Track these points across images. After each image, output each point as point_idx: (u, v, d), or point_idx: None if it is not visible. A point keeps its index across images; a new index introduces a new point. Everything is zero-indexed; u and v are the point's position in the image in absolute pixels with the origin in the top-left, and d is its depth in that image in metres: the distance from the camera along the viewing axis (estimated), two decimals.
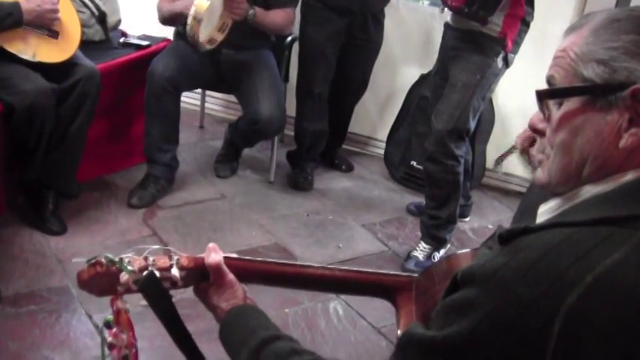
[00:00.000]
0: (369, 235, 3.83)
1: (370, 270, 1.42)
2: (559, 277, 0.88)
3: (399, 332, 1.30)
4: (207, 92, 4.69)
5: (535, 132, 1.11)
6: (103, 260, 1.32)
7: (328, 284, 1.43)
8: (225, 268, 1.36)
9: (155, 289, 1.33)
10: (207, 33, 3.44)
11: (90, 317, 2.87)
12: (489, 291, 0.92)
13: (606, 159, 1.00)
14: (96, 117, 3.43)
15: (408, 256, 3.58)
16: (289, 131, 4.32)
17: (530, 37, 3.36)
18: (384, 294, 1.41)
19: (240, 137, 4.08)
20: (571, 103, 1.02)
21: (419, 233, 3.75)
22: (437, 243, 3.59)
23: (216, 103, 4.96)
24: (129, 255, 1.34)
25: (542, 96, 1.06)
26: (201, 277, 1.37)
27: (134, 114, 3.96)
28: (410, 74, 4.45)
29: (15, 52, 3.12)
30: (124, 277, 1.31)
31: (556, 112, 1.04)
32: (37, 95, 3.08)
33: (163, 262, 1.34)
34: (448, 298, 1.00)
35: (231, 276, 1.37)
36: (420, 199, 4.15)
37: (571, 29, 1.07)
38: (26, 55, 3.16)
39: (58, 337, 2.75)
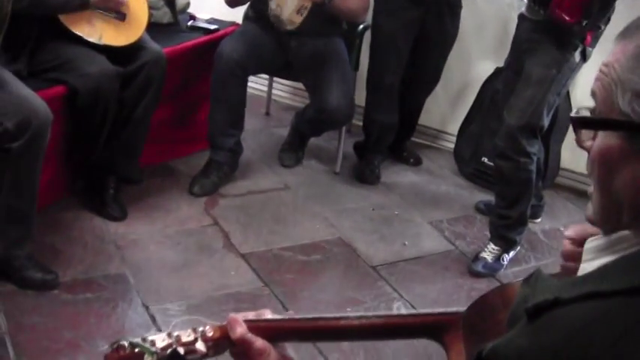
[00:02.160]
0: (436, 232, 3.70)
1: (412, 312, 1.29)
2: None
3: None
4: (274, 78, 4.59)
5: (582, 148, 0.95)
6: (126, 344, 1.25)
7: (368, 333, 1.31)
8: (250, 337, 1.25)
9: None
10: (288, 13, 3.38)
11: (147, 308, 2.82)
12: None
13: None
14: (161, 102, 3.37)
15: (476, 258, 3.43)
16: (357, 121, 4.20)
17: (611, 29, 3.17)
18: (430, 335, 1.28)
19: (307, 126, 3.99)
20: (608, 137, 0.87)
21: (487, 233, 3.60)
22: (506, 244, 3.44)
23: (283, 90, 4.87)
24: (152, 334, 1.28)
25: (575, 125, 0.92)
26: (230, 343, 1.28)
27: (199, 100, 3.89)
28: (484, 67, 4.28)
29: (81, 35, 3.07)
30: (147, 359, 1.24)
31: (596, 140, 0.89)
32: (102, 78, 3.03)
33: (187, 336, 1.26)
34: None
35: (259, 343, 1.25)
36: (490, 198, 3.99)
37: (621, 36, 0.90)
38: (92, 37, 3.11)
39: (113, 327, 2.70)
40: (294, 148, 4.16)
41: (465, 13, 4.06)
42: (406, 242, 3.57)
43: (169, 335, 1.27)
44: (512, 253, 3.48)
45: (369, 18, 3.97)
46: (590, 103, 0.92)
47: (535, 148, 3.27)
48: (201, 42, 3.71)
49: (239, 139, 3.79)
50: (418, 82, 4.18)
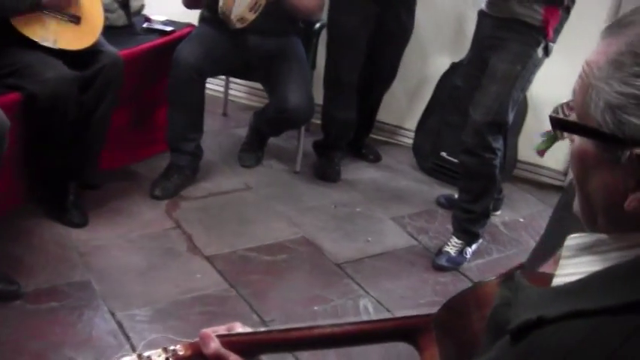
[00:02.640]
0: (398, 228, 3.71)
1: (382, 316, 1.29)
2: None
3: None
4: (231, 79, 4.57)
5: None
6: None
7: (341, 340, 1.30)
8: (223, 352, 1.24)
9: None
10: (240, 11, 3.34)
11: (113, 315, 2.78)
12: None
13: (614, 216, 0.85)
14: (118, 105, 3.33)
15: (440, 252, 3.46)
16: (316, 120, 4.19)
17: (566, 23, 3.23)
18: (404, 338, 1.27)
19: (267, 126, 3.97)
20: (584, 140, 0.86)
21: (449, 227, 3.63)
22: (470, 238, 3.47)
23: (240, 90, 4.85)
24: (122, 356, 1.25)
25: (552, 124, 0.90)
26: (204, 359, 1.27)
27: (157, 101, 3.85)
28: (441, 63, 4.31)
29: (35, 39, 3.02)
30: None
31: (575, 139, 0.89)
32: (59, 83, 2.98)
33: (158, 356, 1.23)
34: None
35: (233, 358, 1.24)
36: (450, 191, 4.03)
37: (607, 31, 0.88)
38: (47, 42, 3.05)
39: (80, 335, 2.66)
40: (253, 149, 4.14)
41: (420, 9, 4.09)
42: (369, 239, 3.58)
43: (140, 357, 1.25)
44: (474, 247, 3.51)
45: (324, 16, 3.97)
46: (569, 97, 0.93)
47: (499, 143, 3.31)
48: (157, 44, 3.67)
49: (199, 143, 3.76)
50: (376, 79, 4.20)
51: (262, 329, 1.30)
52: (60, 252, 3.11)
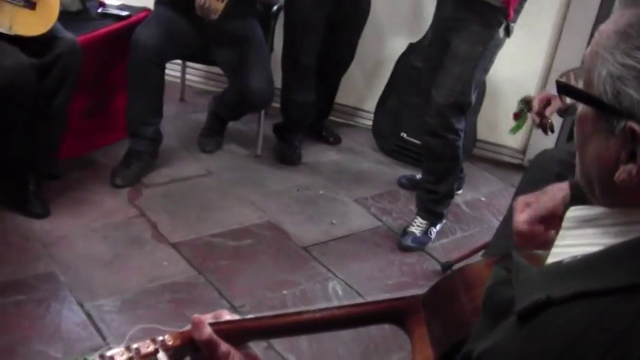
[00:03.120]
0: (362, 210, 3.72)
1: (370, 299, 1.28)
2: None
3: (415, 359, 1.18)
4: (188, 63, 4.51)
5: None
6: None
7: (330, 324, 1.29)
8: (215, 339, 1.22)
9: None
10: (210, 3, 3.30)
11: (81, 305, 2.74)
12: None
13: (606, 186, 0.88)
14: (75, 92, 3.25)
15: (405, 232, 3.47)
16: (275, 103, 4.15)
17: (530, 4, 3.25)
18: (393, 320, 1.27)
19: (227, 110, 3.94)
20: (585, 107, 0.89)
21: (412, 207, 3.66)
22: (434, 218, 3.49)
23: (197, 75, 4.79)
24: (109, 349, 1.22)
25: (558, 89, 0.94)
26: (192, 349, 1.24)
27: (115, 88, 3.78)
28: (398, 43, 4.32)
29: None
30: None
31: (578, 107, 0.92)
32: (16, 71, 2.90)
33: (147, 347, 1.20)
34: None
35: (223, 346, 1.21)
36: (411, 172, 4.06)
37: (623, 4, 0.88)
38: (2, 27, 2.97)
39: (49, 328, 2.61)
40: (213, 133, 4.10)
41: None
42: (334, 221, 3.58)
43: (128, 349, 1.21)
44: (439, 227, 3.54)
45: None
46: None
47: (462, 124, 3.32)
48: (113, 29, 3.59)
49: (158, 127, 3.71)
50: (334, 60, 4.18)
51: (251, 316, 1.28)
52: (23, 243, 3.05)
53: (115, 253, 3.09)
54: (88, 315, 2.70)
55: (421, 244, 3.45)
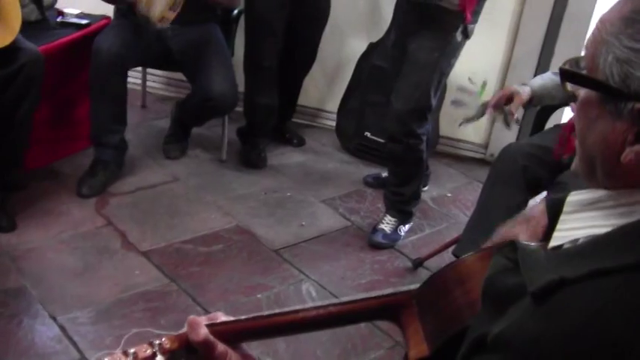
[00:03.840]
0: (330, 210, 3.73)
1: (363, 295, 1.29)
2: (610, 347, 0.77)
3: (409, 355, 1.19)
4: (148, 70, 4.48)
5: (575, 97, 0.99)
6: None
7: (326, 322, 1.30)
8: (212, 340, 1.21)
9: None
10: (159, 10, 3.27)
11: (54, 319, 2.71)
12: None
13: (611, 168, 0.90)
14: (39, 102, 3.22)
15: (374, 229, 3.49)
16: (238, 107, 4.14)
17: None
18: (387, 316, 1.28)
19: (191, 116, 3.92)
20: (589, 92, 0.91)
21: (380, 206, 3.69)
22: (403, 216, 3.52)
23: (158, 82, 4.76)
24: (106, 354, 1.21)
25: (562, 77, 0.96)
26: (189, 351, 1.24)
27: (77, 97, 3.74)
28: (358, 44, 4.34)
29: None
30: None
31: (582, 92, 0.94)
32: None
33: (144, 351, 1.20)
34: None
35: (220, 347, 1.21)
36: (376, 170, 4.08)
37: None
38: None
39: (22, 343, 2.57)
40: (177, 140, 4.07)
41: None
42: (303, 223, 3.58)
43: (125, 354, 1.21)
44: (407, 226, 3.56)
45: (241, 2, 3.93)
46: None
47: (424, 128, 3.33)
48: (74, 38, 3.56)
49: (123, 136, 3.68)
50: (296, 62, 4.18)
51: (246, 316, 1.29)
52: None
53: (86, 264, 3.06)
54: (62, 328, 2.67)
55: (391, 240, 3.46)
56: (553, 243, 0.97)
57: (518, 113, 2.94)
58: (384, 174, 3.94)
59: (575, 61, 0.95)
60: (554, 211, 1.29)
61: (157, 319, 2.76)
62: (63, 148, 3.77)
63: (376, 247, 3.44)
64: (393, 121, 3.30)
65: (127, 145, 3.73)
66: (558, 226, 0.98)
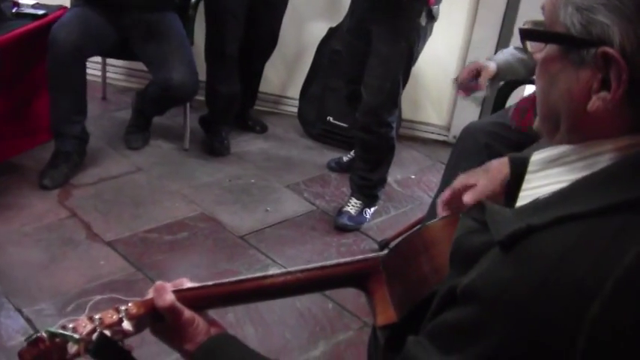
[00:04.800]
0: (295, 195, 3.74)
1: (332, 262, 1.29)
2: (577, 290, 0.79)
3: (377, 321, 1.20)
4: (108, 61, 4.44)
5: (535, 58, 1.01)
6: (45, 335, 1.15)
7: (294, 289, 1.29)
8: (179, 306, 1.21)
9: (110, 351, 1.18)
10: None
11: (20, 312, 2.68)
12: (500, 312, 0.83)
13: (576, 120, 0.91)
14: None
15: (340, 212, 3.50)
16: (199, 96, 4.13)
17: None
18: (354, 283, 1.28)
19: (151, 105, 3.89)
20: (551, 49, 0.93)
21: (345, 189, 3.71)
22: (369, 200, 3.53)
23: (118, 72, 4.72)
24: (70, 321, 1.19)
25: (522, 36, 0.98)
26: (155, 318, 1.23)
27: (35, 89, 3.70)
28: (317, 29, 4.34)
29: None
30: (72, 347, 1.16)
31: (542, 52, 0.95)
32: None
33: (111, 317, 1.19)
34: (449, 315, 0.90)
35: (187, 313, 1.21)
36: (339, 154, 4.08)
37: None
38: None
39: None
40: (139, 130, 4.05)
41: None
42: (268, 208, 3.58)
43: (91, 319, 1.20)
44: (373, 209, 3.57)
45: None
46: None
47: (395, 115, 3.36)
48: (30, 28, 3.49)
49: (84, 126, 3.65)
50: (256, 48, 4.17)
51: (212, 282, 1.28)
52: None
53: (50, 255, 3.03)
54: (28, 320, 2.64)
55: (357, 223, 3.48)
56: (519, 203, 0.99)
57: (489, 91, 2.95)
58: (345, 157, 3.97)
59: (533, 22, 0.97)
60: (516, 168, 1.31)
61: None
62: (23, 142, 3.72)
63: (342, 229, 3.45)
64: (365, 113, 3.31)
65: (88, 135, 3.70)
66: (524, 186, 1.00)
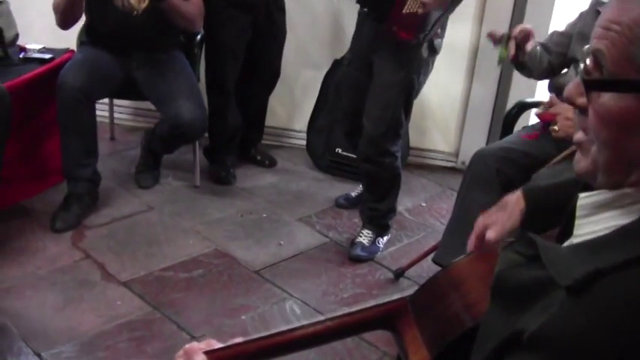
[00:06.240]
0: (307, 228, 3.74)
1: (359, 307, 1.29)
2: None
3: None
4: (115, 101, 4.46)
5: (572, 105, 0.96)
6: None
7: (324, 338, 1.29)
8: None
9: None
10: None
11: (39, 356, 2.66)
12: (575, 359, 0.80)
13: None
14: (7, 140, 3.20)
15: (353, 243, 3.50)
16: None
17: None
18: (383, 325, 1.28)
19: (161, 143, 3.89)
20: (622, 98, 0.86)
21: (356, 220, 3.71)
22: (380, 229, 3.53)
23: (125, 112, 4.74)
24: None
25: (589, 87, 0.90)
26: None
27: (45, 132, 3.72)
28: (322, 61, 4.37)
29: None
30: None
31: (603, 100, 0.89)
32: None
33: None
34: None
35: None
36: (348, 188, 4.08)
37: None
38: None
39: None
40: (149, 168, 4.06)
41: (295, 10, 4.15)
42: (282, 242, 3.58)
43: None
44: (385, 238, 3.57)
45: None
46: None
47: (398, 145, 3.36)
48: (39, 73, 3.53)
49: (96, 168, 3.66)
50: (259, 82, 4.21)
51: (242, 339, 1.27)
52: None
53: (66, 298, 3.02)
54: None
55: (371, 253, 3.47)
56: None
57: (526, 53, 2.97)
58: (353, 193, 3.97)
59: (586, 70, 0.92)
60: (531, 200, 1.31)
61: (143, 348, 2.74)
62: (34, 185, 3.73)
63: (356, 260, 3.44)
64: (367, 144, 3.31)
65: (100, 177, 3.71)
66: (576, 232, 0.97)
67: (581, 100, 0.93)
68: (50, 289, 3.08)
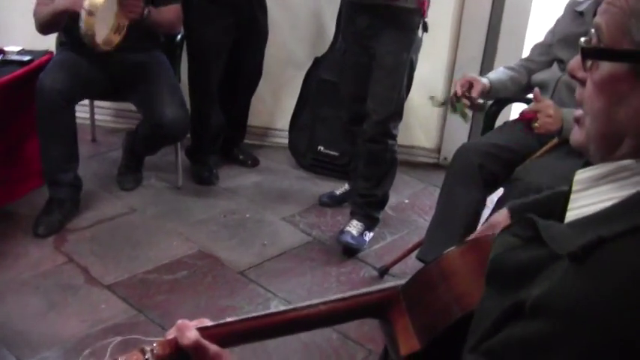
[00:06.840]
0: (291, 227, 3.73)
1: (352, 293, 1.29)
2: None
3: (401, 351, 1.19)
4: (96, 103, 4.43)
5: (573, 78, 1.00)
6: None
7: (316, 322, 1.29)
8: (204, 342, 1.20)
9: None
10: (104, 33, 3.24)
11: None
12: (578, 325, 0.80)
13: None
14: None
15: (342, 231, 3.52)
16: None
17: None
18: (375, 313, 1.28)
19: (143, 145, 3.87)
20: (615, 67, 0.91)
21: (340, 218, 3.73)
22: (369, 222, 3.56)
23: (106, 114, 4.71)
24: None
25: (586, 54, 0.95)
26: (180, 357, 1.21)
27: (25, 135, 3.68)
28: (303, 59, 4.36)
29: None
30: None
31: (599, 71, 0.93)
32: None
33: (137, 358, 1.17)
34: (515, 331, 0.87)
35: (213, 348, 1.20)
36: (332, 186, 4.07)
37: None
38: None
39: None
40: (131, 170, 4.03)
41: (275, 8, 4.13)
42: (265, 242, 3.57)
43: None
44: (372, 233, 3.58)
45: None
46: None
47: (398, 128, 3.46)
48: (17, 75, 3.48)
49: (77, 173, 3.63)
50: (242, 82, 4.20)
51: (235, 318, 1.26)
52: None
53: (49, 302, 3.00)
54: None
55: (359, 243, 3.49)
56: (567, 221, 0.98)
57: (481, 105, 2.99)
58: (338, 191, 3.97)
59: (589, 39, 0.96)
60: (519, 215, 1.32)
61: (129, 351, 2.71)
62: (15, 189, 3.69)
63: (345, 247, 3.47)
64: (373, 125, 3.37)
65: (81, 181, 3.68)
66: (570, 205, 0.99)
67: (582, 74, 0.97)
68: (33, 293, 3.06)
